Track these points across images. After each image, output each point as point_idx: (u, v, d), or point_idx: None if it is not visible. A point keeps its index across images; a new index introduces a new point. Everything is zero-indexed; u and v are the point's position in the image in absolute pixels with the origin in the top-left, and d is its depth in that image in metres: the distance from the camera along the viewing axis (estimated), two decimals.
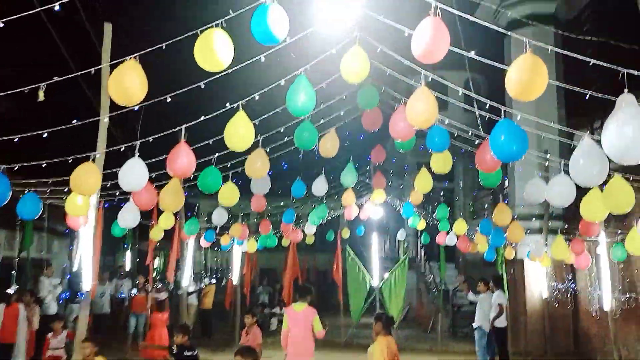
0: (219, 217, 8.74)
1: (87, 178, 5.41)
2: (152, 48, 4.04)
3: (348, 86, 6.62)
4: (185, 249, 11.27)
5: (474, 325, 11.46)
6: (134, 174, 5.06)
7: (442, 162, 6.84)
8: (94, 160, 5.46)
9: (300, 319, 7.11)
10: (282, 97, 5.38)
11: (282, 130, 6.80)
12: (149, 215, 10.94)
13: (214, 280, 15.47)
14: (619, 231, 9.39)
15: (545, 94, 4.43)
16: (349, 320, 15.86)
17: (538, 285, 13.74)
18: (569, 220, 12.40)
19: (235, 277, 15.28)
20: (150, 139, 5.36)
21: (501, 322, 11.63)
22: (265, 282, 19.82)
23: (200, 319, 14.77)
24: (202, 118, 5.20)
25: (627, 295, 9.60)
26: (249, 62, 4.77)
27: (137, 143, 5.19)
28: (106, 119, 5.90)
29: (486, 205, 18.81)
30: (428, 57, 3.80)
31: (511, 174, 14.74)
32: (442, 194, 18.38)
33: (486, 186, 7.32)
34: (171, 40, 4.06)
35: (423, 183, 8.05)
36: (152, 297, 11.59)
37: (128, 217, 7.07)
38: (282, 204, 10.95)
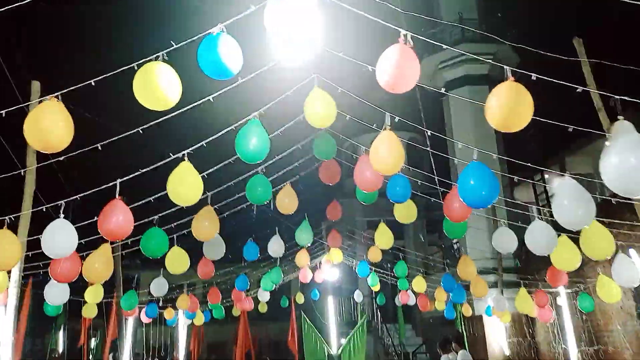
0: (158, 287, 7.67)
1: (2, 248, 4.50)
2: (79, 85, 3.37)
3: (299, 134, 6.14)
4: (124, 327, 10.01)
5: None
6: (59, 238, 4.19)
7: (405, 211, 6.36)
8: (10, 225, 4.55)
9: None
10: (230, 147, 4.79)
11: (232, 185, 6.12)
12: (82, 290, 9.74)
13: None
14: (580, 280, 9.15)
15: (485, 151, 4.31)
16: None
17: (498, 341, 13.26)
18: (524, 272, 12.18)
19: (181, 355, 13.88)
20: (78, 197, 4.55)
21: None
22: (214, 357, 18.27)
23: None
24: (140, 171, 4.47)
25: (595, 347, 9.23)
26: (197, 103, 4.17)
27: (62, 202, 4.37)
28: (32, 175, 5.07)
29: (440, 261, 18.45)
30: (397, 84, 3.36)
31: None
32: (391, 251, 17.96)
33: (452, 238, 6.91)
34: (101, 77, 3.42)
35: (384, 238, 7.55)
36: None
37: (55, 293, 6.03)
38: (231, 269, 9.87)
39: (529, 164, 6.27)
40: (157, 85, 3.27)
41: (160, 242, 5.54)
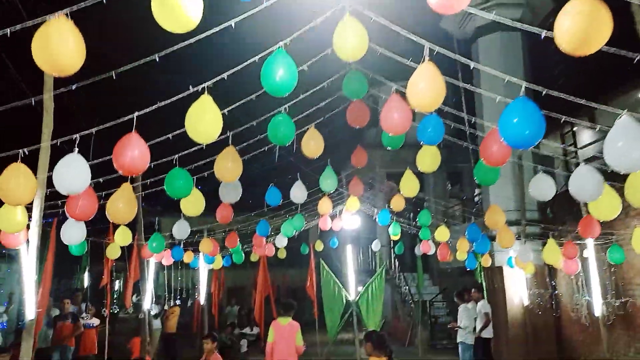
0: (180, 230, 7.53)
1: (16, 183, 4.31)
2: (89, 2, 3.03)
3: (325, 73, 5.74)
4: (146, 269, 10.04)
5: (458, 339, 10.66)
6: (71, 173, 3.95)
7: (429, 159, 5.97)
8: (23, 159, 4.34)
9: (285, 332, 7.61)
10: (252, 84, 4.45)
11: (253, 124, 5.81)
12: (105, 231, 9.74)
13: (178, 302, 14.11)
14: (609, 232, 8.81)
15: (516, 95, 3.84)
16: (325, 337, 14.82)
17: (518, 292, 13.10)
18: (550, 224, 11.84)
19: (202, 297, 14.06)
20: (93, 130, 4.29)
21: (488, 333, 10.90)
22: (234, 301, 18.58)
23: (164, 344, 13.43)
24: (159, 104, 4.17)
25: (620, 300, 8.99)
26: (218, 28, 3.79)
27: (77, 136, 4.12)
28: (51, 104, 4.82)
29: (458, 213, 18.23)
30: (448, 5, 2.95)
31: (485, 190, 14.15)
32: (414, 200, 17.74)
33: (482, 184, 6.59)
34: None
35: (409, 185, 7.23)
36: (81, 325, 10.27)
37: (72, 233, 5.89)
38: (251, 214, 9.69)
39: (559, 115, 5.83)
40: (176, 2, 2.91)
41: (185, 183, 5.32)
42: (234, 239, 9.60)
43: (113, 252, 8.93)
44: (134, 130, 3.92)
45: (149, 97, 4.35)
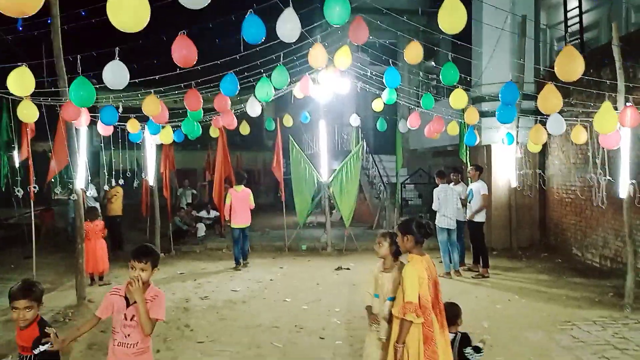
0: (116, 75, 4.90)
1: None
2: None
3: None
4: (75, 138, 7.44)
5: (442, 224, 9.05)
6: None
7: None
8: None
9: (240, 197, 9.94)
10: None
11: None
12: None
13: (120, 182, 11.72)
14: None
15: None
16: (293, 220, 13.18)
17: (506, 173, 11.70)
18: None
19: (150, 178, 11.70)
20: None
21: (481, 217, 9.45)
22: (186, 183, 16.36)
23: (109, 229, 11.21)
24: None
25: None
26: None
27: None
28: None
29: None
30: None
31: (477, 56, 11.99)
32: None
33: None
34: None
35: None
36: None
37: None
38: (214, 63, 6.72)
39: None
40: None
41: None
42: (195, 99, 6.78)
43: (26, 112, 6.24)
44: None
45: None
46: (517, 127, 11.22)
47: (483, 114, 10.96)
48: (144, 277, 3.09)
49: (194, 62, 5.03)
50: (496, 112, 7.28)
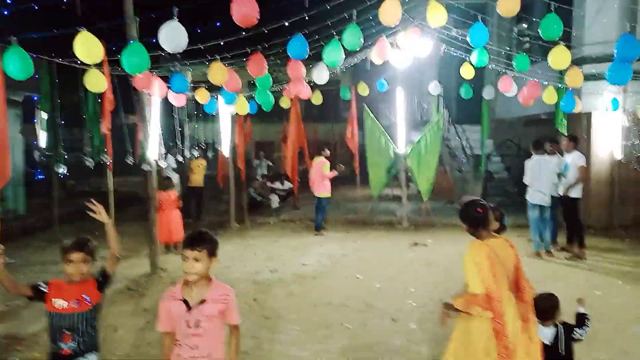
0: (174, 37, 4.54)
1: None
2: None
3: None
4: (147, 108, 7.40)
5: (534, 200, 8.13)
6: None
7: None
8: None
9: (316, 166, 10.52)
10: None
11: None
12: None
13: (199, 154, 11.87)
14: None
15: None
16: (367, 193, 12.71)
17: (609, 144, 10.34)
18: None
19: (225, 149, 11.68)
20: None
21: (576, 192, 8.38)
22: (262, 154, 16.35)
23: (189, 199, 11.41)
24: None
25: None
26: None
27: None
28: None
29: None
30: None
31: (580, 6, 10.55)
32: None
33: None
34: None
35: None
36: None
37: None
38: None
39: None
40: None
41: None
42: (259, 63, 6.35)
43: (95, 81, 6.22)
44: None
45: None
46: (625, 91, 9.82)
47: (585, 78, 9.68)
48: (198, 268, 2.49)
49: (256, 21, 4.62)
50: (607, 72, 6.20)
